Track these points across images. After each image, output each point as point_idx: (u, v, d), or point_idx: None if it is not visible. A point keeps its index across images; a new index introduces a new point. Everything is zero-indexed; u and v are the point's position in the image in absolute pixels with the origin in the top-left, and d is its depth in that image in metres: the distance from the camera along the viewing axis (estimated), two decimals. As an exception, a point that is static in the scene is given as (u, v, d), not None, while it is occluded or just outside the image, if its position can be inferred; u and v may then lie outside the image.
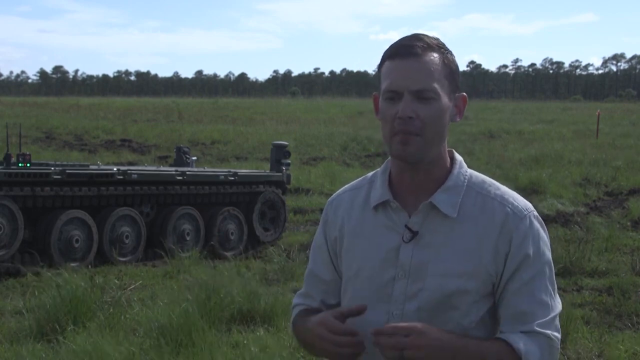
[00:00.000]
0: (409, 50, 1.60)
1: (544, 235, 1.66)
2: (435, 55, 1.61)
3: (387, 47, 1.65)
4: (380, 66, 1.66)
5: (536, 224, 1.65)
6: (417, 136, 1.58)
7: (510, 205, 1.64)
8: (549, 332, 1.60)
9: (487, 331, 1.64)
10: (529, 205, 1.67)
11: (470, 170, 1.71)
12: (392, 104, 1.60)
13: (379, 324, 1.62)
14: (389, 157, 1.72)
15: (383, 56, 1.65)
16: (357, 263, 1.71)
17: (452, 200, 1.64)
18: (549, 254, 1.66)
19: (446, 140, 1.67)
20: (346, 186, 1.84)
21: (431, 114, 1.59)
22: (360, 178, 1.82)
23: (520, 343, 1.57)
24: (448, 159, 1.69)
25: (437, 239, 1.63)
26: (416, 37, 1.63)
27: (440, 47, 1.63)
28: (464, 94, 1.68)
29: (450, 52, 1.65)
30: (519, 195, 1.69)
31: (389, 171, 1.73)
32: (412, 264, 1.63)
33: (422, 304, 1.62)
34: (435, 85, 1.58)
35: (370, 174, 1.80)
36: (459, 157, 1.71)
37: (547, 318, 1.61)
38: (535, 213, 1.67)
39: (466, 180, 1.67)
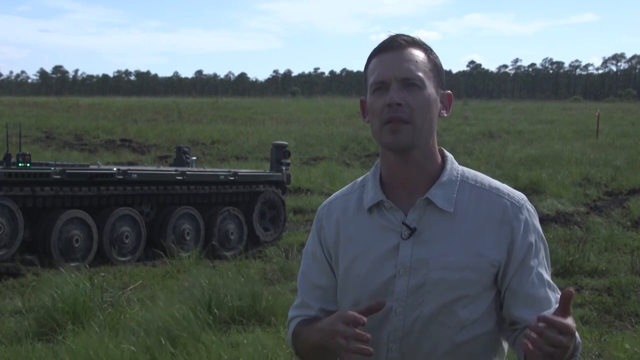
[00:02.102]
0: (392, 44, 1.66)
1: (538, 223, 1.71)
2: (418, 50, 1.67)
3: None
4: (366, 67, 1.70)
5: (533, 212, 1.70)
6: (406, 124, 1.61)
7: (507, 197, 1.68)
8: None
9: (493, 322, 1.66)
10: (523, 195, 1.72)
11: (461, 167, 1.74)
12: (381, 95, 1.64)
13: (379, 321, 1.63)
14: (378, 160, 1.74)
15: (368, 57, 1.70)
16: (357, 266, 1.70)
17: (447, 195, 1.66)
18: (544, 239, 1.71)
19: (435, 135, 1.70)
20: (337, 193, 1.84)
21: (419, 101, 1.62)
22: (350, 184, 1.82)
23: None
24: (439, 156, 1.72)
25: (435, 234, 1.64)
26: (398, 35, 1.69)
27: (422, 45, 1.69)
28: (449, 91, 1.74)
29: (433, 52, 1.71)
30: (511, 187, 1.73)
31: (379, 172, 1.74)
32: (412, 260, 1.64)
33: (425, 298, 1.62)
34: (420, 74, 1.63)
35: (360, 178, 1.81)
36: (449, 155, 1.74)
37: (555, 299, 1.64)
38: (529, 203, 1.71)
39: (459, 176, 1.70)
